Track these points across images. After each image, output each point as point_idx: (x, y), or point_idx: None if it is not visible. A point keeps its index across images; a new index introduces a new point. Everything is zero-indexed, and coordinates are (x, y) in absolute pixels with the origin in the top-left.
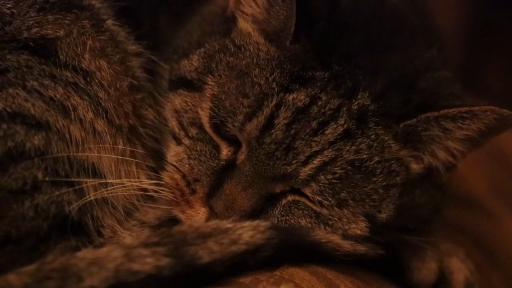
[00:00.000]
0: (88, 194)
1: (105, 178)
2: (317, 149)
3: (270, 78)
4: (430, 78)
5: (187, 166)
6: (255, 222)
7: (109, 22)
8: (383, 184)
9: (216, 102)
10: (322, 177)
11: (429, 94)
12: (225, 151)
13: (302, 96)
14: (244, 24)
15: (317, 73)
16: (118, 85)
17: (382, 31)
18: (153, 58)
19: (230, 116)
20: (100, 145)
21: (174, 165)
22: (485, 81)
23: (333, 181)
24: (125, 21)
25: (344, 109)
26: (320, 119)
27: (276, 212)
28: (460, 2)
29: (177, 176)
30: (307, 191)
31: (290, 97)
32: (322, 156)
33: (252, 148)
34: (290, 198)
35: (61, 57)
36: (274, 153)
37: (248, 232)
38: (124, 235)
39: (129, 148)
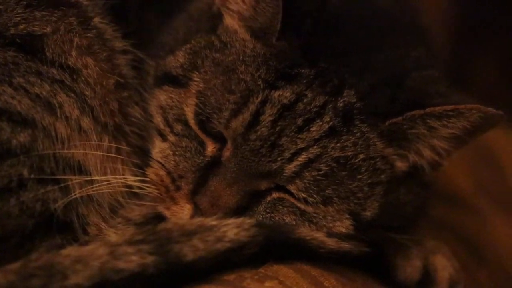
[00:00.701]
0: (74, 192)
1: (90, 175)
2: (302, 146)
3: (256, 75)
4: (417, 77)
5: (172, 162)
6: (240, 220)
7: (96, 19)
8: (368, 182)
9: (202, 99)
10: (307, 174)
11: (415, 92)
12: (210, 148)
13: (288, 93)
14: (230, 21)
15: (303, 71)
16: (104, 83)
17: (369, 30)
18: (140, 55)
19: (216, 112)
20: (86, 142)
21: (159, 162)
22: (475, 78)
23: (318, 178)
24: (112, 18)
25: (329, 106)
26: (306, 116)
27: (261, 209)
28: (449, 0)
29: (162, 172)
30: (292, 188)
31: (276, 94)
32: (307, 153)
33: (238, 145)
34: (275, 195)
35: (47, 54)
36: (259, 150)
37: (233, 230)
38: (109, 233)
39: (115, 145)
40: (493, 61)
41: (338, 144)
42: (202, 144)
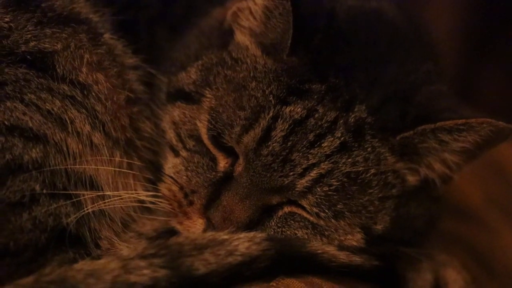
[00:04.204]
0: (86, 207)
1: (102, 190)
2: (314, 161)
3: (267, 91)
4: (426, 92)
5: (184, 177)
6: (251, 234)
7: (106, 35)
8: (379, 196)
9: (214, 115)
10: (318, 189)
11: (425, 107)
12: (223, 163)
13: (299, 109)
14: (241, 37)
15: (314, 86)
16: (115, 98)
17: (378, 45)
18: (151, 71)
19: (227, 128)
20: (97, 157)
21: (171, 177)
22: (482, 90)
23: (329, 193)
24: (122, 34)
25: (341, 121)
26: (317, 132)
27: (273, 223)
28: (456, 12)
29: (175, 187)
30: (304, 202)
31: (287, 110)
32: (318, 169)
33: (249, 160)
34: (286, 209)
35: (58, 70)
36: (271, 165)
37: (244, 244)
38: (122, 247)
39: (126, 160)
40: (502, 71)
41: (349, 160)
42: (214, 160)
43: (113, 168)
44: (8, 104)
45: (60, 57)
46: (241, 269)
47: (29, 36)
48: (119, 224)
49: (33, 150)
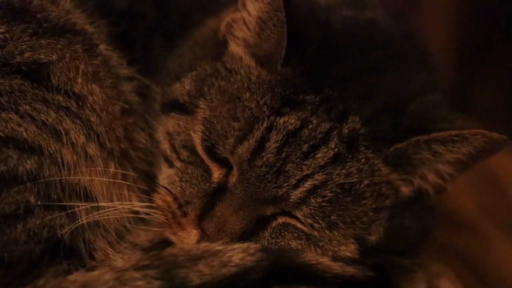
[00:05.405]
0: (80, 218)
1: (97, 201)
2: (308, 172)
3: (261, 102)
4: (421, 102)
5: (178, 188)
6: (245, 245)
7: (102, 46)
8: (373, 207)
9: (208, 126)
10: (312, 200)
11: (419, 118)
12: (217, 174)
13: (293, 120)
14: (235, 48)
15: (308, 97)
16: (110, 109)
17: (373, 55)
18: (146, 81)
19: (222, 139)
20: (92, 168)
21: (166, 188)
22: (478, 99)
23: (323, 204)
24: (117, 45)
25: (334, 133)
26: (311, 143)
27: (267, 234)
28: (451, 22)
29: (169, 198)
30: (298, 213)
31: (281, 121)
32: (312, 180)
33: (244, 171)
34: (280, 220)
35: (53, 81)
36: (265, 176)
37: (238, 255)
38: (116, 258)
39: (121, 171)
40: (498, 80)
41: (343, 171)
42: (208, 171)
43: (107, 179)
44: (3, 115)
45: (55, 68)
46: (235, 280)
47: (24, 47)
48: (114, 235)
49: (28, 162)
